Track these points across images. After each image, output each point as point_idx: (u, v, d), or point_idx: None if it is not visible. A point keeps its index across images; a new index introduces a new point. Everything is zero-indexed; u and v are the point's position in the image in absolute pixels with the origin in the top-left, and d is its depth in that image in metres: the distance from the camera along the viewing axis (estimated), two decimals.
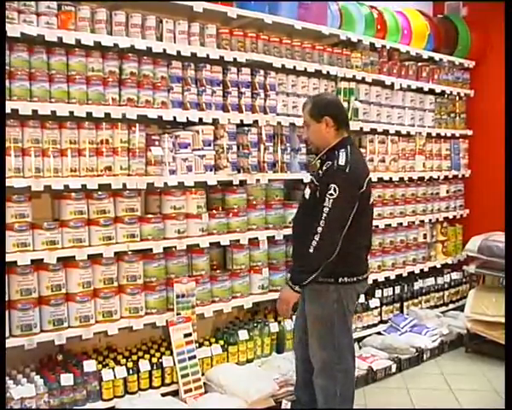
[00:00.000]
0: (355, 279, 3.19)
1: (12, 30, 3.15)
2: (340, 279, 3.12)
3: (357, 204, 3.09)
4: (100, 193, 3.52)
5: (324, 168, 3.15)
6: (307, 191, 3.26)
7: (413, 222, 5.42)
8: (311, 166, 4.31)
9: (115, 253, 3.57)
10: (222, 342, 4.01)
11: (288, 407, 3.71)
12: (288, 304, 3.12)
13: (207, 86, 3.95)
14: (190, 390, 3.68)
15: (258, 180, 4.18)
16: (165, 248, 3.77)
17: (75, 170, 3.41)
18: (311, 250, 3.01)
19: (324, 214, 3.00)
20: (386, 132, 5.21)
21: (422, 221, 5.54)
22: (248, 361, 4.11)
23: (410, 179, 5.45)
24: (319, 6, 4.61)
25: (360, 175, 3.16)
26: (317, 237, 3.00)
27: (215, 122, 4.00)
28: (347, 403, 3.28)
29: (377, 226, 5.04)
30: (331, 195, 3.00)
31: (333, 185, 3.02)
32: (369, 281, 4.86)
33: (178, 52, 3.78)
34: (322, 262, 3.03)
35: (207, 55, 3.92)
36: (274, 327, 4.25)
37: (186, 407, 3.56)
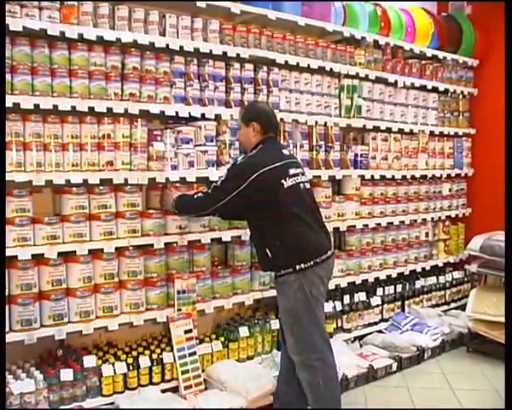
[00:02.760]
0: (312, 263, 3.26)
1: (14, 24, 3.14)
2: (297, 267, 3.23)
3: (269, 194, 3.25)
4: (101, 188, 3.52)
5: None
6: None
7: (415, 220, 5.42)
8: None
9: (116, 248, 3.56)
10: (222, 339, 4.01)
11: None
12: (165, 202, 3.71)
13: (210, 82, 3.95)
14: (190, 387, 3.68)
15: None
16: (166, 244, 3.76)
17: (76, 164, 3.41)
18: (195, 197, 3.49)
19: (212, 186, 3.40)
20: (388, 130, 5.19)
21: (425, 219, 5.53)
22: (249, 358, 4.11)
23: (413, 177, 5.44)
24: (323, 3, 4.59)
25: (249, 166, 3.29)
26: (201, 194, 3.46)
27: (217, 118, 3.99)
28: (334, 394, 3.32)
29: (379, 224, 5.06)
30: (220, 177, 3.40)
31: (224, 172, 3.41)
32: (372, 278, 5.00)
33: (181, 47, 3.77)
34: (190, 211, 3.56)
35: (210, 51, 3.91)
36: (275, 324, 4.23)
37: (185, 407, 3.53)
